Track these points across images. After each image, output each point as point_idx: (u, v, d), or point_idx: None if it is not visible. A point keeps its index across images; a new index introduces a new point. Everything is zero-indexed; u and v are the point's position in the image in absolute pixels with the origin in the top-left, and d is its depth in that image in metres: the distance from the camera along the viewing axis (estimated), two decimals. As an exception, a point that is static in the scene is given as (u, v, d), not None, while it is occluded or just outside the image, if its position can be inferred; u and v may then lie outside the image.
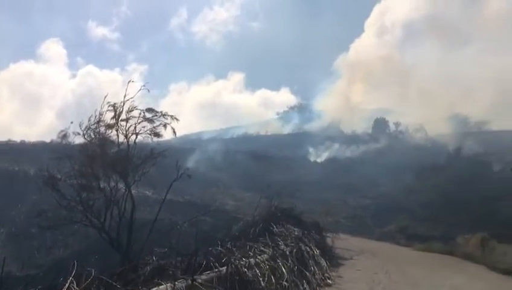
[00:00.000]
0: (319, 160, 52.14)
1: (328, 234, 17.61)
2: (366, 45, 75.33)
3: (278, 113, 75.28)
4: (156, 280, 6.52)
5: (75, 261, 6.04)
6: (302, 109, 74.00)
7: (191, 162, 40.30)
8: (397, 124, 56.42)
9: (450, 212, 27.67)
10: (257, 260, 8.38)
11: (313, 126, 65.28)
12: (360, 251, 18.05)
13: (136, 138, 11.18)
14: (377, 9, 78.10)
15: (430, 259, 18.13)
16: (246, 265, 7.76)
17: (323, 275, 10.93)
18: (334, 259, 14.86)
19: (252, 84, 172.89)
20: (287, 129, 67.14)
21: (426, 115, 53.47)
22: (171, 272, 6.85)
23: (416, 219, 29.26)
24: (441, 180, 36.05)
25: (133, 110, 11.08)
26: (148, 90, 11.62)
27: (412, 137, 51.91)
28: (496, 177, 35.56)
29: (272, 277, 8.03)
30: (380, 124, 57.16)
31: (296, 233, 12.31)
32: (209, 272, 7.05)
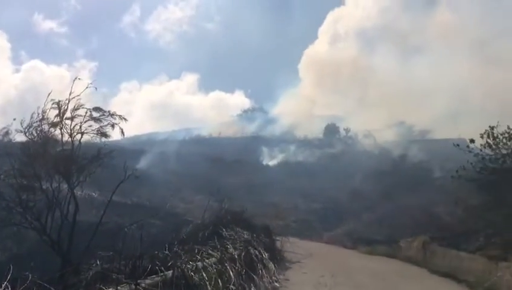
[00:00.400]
0: (271, 164, 52.59)
1: (277, 238, 17.78)
2: (320, 51, 76.95)
3: (231, 116, 75.45)
4: (99, 285, 6.30)
5: (11, 265, 5.74)
6: (256, 113, 74.55)
7: (141, 164, 39.44)
8: (347, 130, 58.00)
9: (394, 216, 28.72)
10: (205, 263, 8.30)
11: (267, 130, 65.85)
12: (308, 254, 18.34)
13: (82, 137, 10.78)
14: (330, 17, 79.92)
15: (374, 262, 18.69)
16: (193, 269, 7.65)
17: (271, 278, 10.99)
18: (282, 262, 15.01)
19: (206, 85, 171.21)
20: (240, 132, 67.28)
21: (375, 122, 55.34)
22: (114, 277, 6.64)
23: (363, 223, 30.19)
24: (386, 186, 37.34)
25: (79, 109, 10.69)
26: (96, 88, 11.22)
27: (360, 143, 53.58)
28: (437, 183, 37.32)
29: (219, 281, 7.98)
30: (331, 129, 58.57)
31: (245, 236, 12.31)
32: (154, 276, 6.89)
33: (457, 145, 13.13)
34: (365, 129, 55.07)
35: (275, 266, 12.21)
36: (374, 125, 54.75)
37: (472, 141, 12.97)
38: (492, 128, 12.10)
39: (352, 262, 17.84)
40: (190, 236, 11.62)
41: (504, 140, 12.04)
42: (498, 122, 12.23)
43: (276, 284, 10.89)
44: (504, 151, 12.14)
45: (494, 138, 12.16)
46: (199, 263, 8.15)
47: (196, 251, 9.08)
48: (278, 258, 15.14)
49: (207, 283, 7.49)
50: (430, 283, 13.34)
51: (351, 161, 46.31)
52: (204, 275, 7.73)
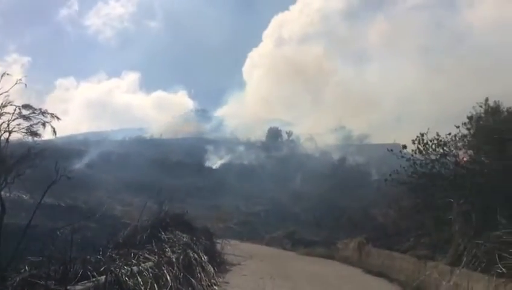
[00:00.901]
0: (214, 166, 52.38)
1: (218, 240, 17.70)
2: (264, 54, 77.59)
3: (174, 117, 74.12)
4: (25, 292, 5.94)
5: None
6: (200, 114, 73.81)
7: (77, 164, 37.83)
8: (289, 134, 58.96)
9: (332, 218, 29.59)
10: (140, 267, 8.06)
11: (210, 132, 65.47)
12: (248, 256, 18.42)
13: (9, 136, 10.09)
14: (274, 22, 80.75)
15: (312, 263, 19.13)
16: (128, 273, 7.41)
17: (209, 281, 10.90)
18: (222, 265, 14.95)
19: (148, 85, 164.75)
20: (184, 134, 66.33)
21: (317, 126, 56.72)
22: (42, 283, 6.28)
23: (303, 225, 30.83)
24: (326, 188, 38.39)
25: (6, 106, 9.98)
26: (26, 85, 10.53)
27: (302, 146, 54.74)
28: (374, 186, 38.95)
29: (155, 285, 7.79)
30: (273, 133, 59.31)
31: (184, 239, 12.13)
32: (86, 281, 6.59)
33: (391, 150, 13.75)
34: (307, 133, 56.35)
35: (214, 269, 12.12)
36: (316, 130, 56.16)
37: (404, 146, 13.65)
38: (422, 135, 12.78)
39: (292, 264, 18.16)
40: (127, 239, 11.25)
41: (433, 146, 12.74)
42: (428, 129, 12.92)
43: (215, 287, 10.82)
44: (433, 157, 12.83)
45: (424, 144, 12.84)
46: (135, 268, 7.90)
47: (132, 255, 8.82)
48: (218, 261, 15.06)
49: (142, 287, 7.28)
50: (365, 283, 13.85)
51: (293, 164, 47.20)
52: (140, 279, 7.51)
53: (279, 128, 59.64)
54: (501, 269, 8.47)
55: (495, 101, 11.89)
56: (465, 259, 10.11)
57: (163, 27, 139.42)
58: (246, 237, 30.33)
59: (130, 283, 7.18)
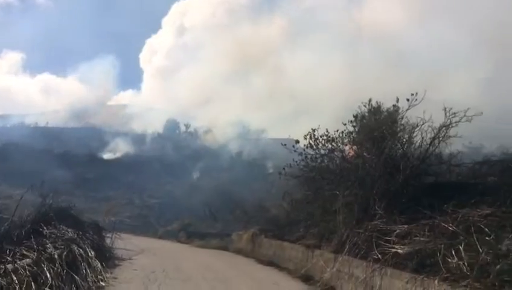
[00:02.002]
0: (107, 157, 49.85)
1: (108, 234, 16.91)
2: (164, 42, 75.09)
3: (63, 103, 68.75)
4: None
5: None
6: (93, 102, 69.27)
7: None
8: (187, 126, 58.12)
9: (228, 210, 29.92)
10: (16, 265, 7.36)
11: (103, 121, 61.98)
12: (140, 250, 17.93)
13: None
14: (175, 9, 78.04)
15: (206, 255, 19.21)
16: (1, 272, 6.73)
17: (96, 277, 10.35)
18: (111, 260, 14.32)
19: (33, 66, 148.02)
20: (73, 122, 61.90)
21: (216, 119, 56.81)
22: None
23: (199, 218, 30.76)
24: (223, 181, 38.70)
25: None
26: None
27: (200, 139, 54.43)
28: (269, 179, 40.21)
29: (33, 284, 7.17)
30: (171, 124, 57.95)
31: (69, 234, 11.36)
32: None
33: (285, 144, 14.29)
34: (205, 126, 56.12)
35: (102, 265, 11.54)
36: (215, 122, 56.23)
37: (297, 141, 14.27)
38: (314, 130, 13.45)
39: (186, 256, 18.05)
40: (3, 236, 10.20)
41: (323, 141, 13.49)
42: (319, 125, 13.62)
43: (101, 283, 10.30)
44: (322, 152, 13.59)
45: (315, 140, 13.54)
46: (9, 265, 7.19)
47: (7, 252, 8.02)
48: (107, 256, 14.41)
49: (16, 286, 6.65)
50: (255, 272, 14.23)
51: (190, 156, 46.78)
52: (15, 278, 6.85)
53: (177, 120, 58.52)
54: (377, 255, 9.28)
55: (377, 102, 12.92)
56: (347, 247, 10.90)
57: (52, 4, 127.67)
58: (140, 231, 29.48)
59: (3, 282, 6.52)
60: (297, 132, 15.11)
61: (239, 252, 20.34)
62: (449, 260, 7.18)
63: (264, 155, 46.57)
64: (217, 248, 22.61)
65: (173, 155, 47.62)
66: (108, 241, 16.29)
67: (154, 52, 73.55)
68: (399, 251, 8.71)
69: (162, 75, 71.23)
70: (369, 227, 10.48)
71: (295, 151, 13.84)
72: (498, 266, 6.37)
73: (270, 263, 16.08)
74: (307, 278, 12.04)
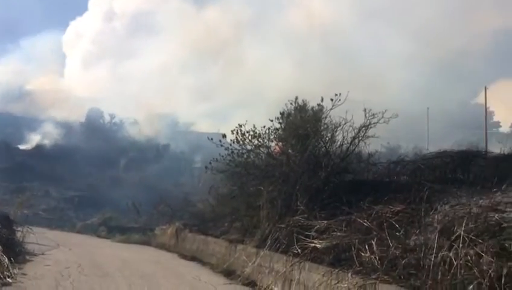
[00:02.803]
0: (22, 146, 46.57)
1: (19, 228, 15.79)
2: (90, 26, 70.82)
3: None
4: None
5: None
6: (4, 86, 63.56)
7: None
8: (112, 116, 55.54)
9: (153, 204, 29.20)
10: None
11: (20, 107, 57.56)
12: (56, 245, 16.98)
13: None
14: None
15: (127, 250, 18.63)
16: None
17: (2, 273, 9.60)
18: (22, 255, 13.39)
19: None
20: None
21: (143, 110, 55.11)
22: None
23: (121, 211, 29.74)
24: (148, 175, 37.79)
25: None
26: None
27: (126, 130, 52.47)
28: (196, 173, 39.84)
29: None
30: (94, 113, 55.00)
31: (-28, 228, 10.44)
32: None
33: (211, 139, 14.18)
34: (132, 117, 54.24)
35: (10, 260, 10.71)
36: (142, 114, 54.51)
37: (224, 136, 14.20)
38: (240, 126, 13.47)
39: (104, 251, 17.38)
40: None
41: (250, 137, 13.56)
42: (246, 121, 13.67)
43: (8, 279, 9.58)
44: (249, 147, 13.65)
45: (242, 135, 13.57)
46: None
47: None
48: (17, 251, 13.45)
49: None
50: (177, 267, 14.04)
51: (115, 148, 45.02)
52: None
53: (101, 109, 55.65)
54: (297, 250, 9.51)
55: (303, 100, 13.23)
56: (269, 242, 11.08)
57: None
58: (56, 225, 27.95)
59: None
60: (232, 126, 14.97)
61: (162, 247, 19.97)
62: (362, 254, 7.53)
63: (193, 149, 46.09)
64: (139, 242, 22.03)
65: (96, 146, 45.46)
66: (18, 235, 15.19)
67: (79, 36, 69.30)
68: (317, 245, 8.99)
69: (87, 61, 67.51)
70: (291, 222, 10.72)
71: (221, 146, 13.77)
72: (405, 260, 6.78)
73: (193, 258, 15.96)
74: (228, 273, 12.08)
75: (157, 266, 13.97)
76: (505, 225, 6.07)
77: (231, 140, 13.96)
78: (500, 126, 58.72)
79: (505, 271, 4.91)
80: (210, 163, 15.01)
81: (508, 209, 6.87)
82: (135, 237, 23.13)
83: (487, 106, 41.15)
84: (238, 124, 13.54)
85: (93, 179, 37.12)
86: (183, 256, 16.83)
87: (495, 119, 57.60)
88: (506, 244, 5.57)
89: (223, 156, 14.26)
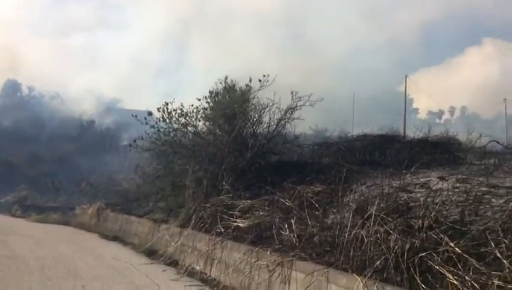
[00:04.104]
0: None
1: None
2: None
3: None
4: None
5: None
6: None
7: None
8: (31, 89, 51.82)
9: (74, 183, 27.87)
10: None
11: None
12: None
13: None
14: None
15: (42, 230, 17.67)
16: None
17: None
18: None
19: None
20: None
21: (66, 84, 52.09)
22: None
23: (38, 190, 28.11)
24: (70, 151, 35.96)
25: None
26: None
27: (46, 105, 49.26)
28: (122, 151, 38.45)
29: None
30: (11, 86, 50.97)
31: None
32: None
33: (136, 116, 13.69)
34: (53, 90, 51.07)
35: None
36: (65, 88, 51.45)
37: (150, 113, 13.76)
38: (167, 104, 13.12)
39: (17, 231, 16.30)
40: None
41: (176, 116, 13.25)
42: (174, 98, 13.33)
43: None
44: (175, 126, 13.35)
45: (169, 113, 13.23)
46: None
47: None
48: None
49: None
50: (97, 248, 13.54)
51: (34, 122, 42.18)
52: None
53: (19, 81, 51.63)
54: (220, 229, 9.56)
55: (232, 80, 13.13)
56: (193, 221, 11.01)
57: None
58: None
59: None
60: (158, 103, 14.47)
61: (82, 227, 19.17)
62: (282, 232, 7.72)
63: (120, 126, 44.46)
64: (58, 222, 20.96)
65: (12, 121, 42.29)
66: None
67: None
68: (240, 224, 9.09)
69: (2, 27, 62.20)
70: (215, 202, 10.74)
71: (147, 123, 13.35)
72: (322, 238, 7.05)
73: (115, 238, 15.49)
74: (151, 253, 11.87)
75: (75, 246, 13.37)
76: (412, 204, 6.47)
77: (157, 118, 13.60)
78: (419, 113, 63.04)
79: (407, 247, 5.25)
80: (134, 141, 14.55)
81: (416, 190, 7.35)
82: (53, 217, 21.97)
83: (408, 93, 43.85)
84: (165, 102, 13.21)
85: (7, 155, 34.59)
86: (104, 236, 16.28)
87: (414, 106, 61.64)
88: (412, 223, 5.94)
89: (148, 134, 13.86)
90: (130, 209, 17.12)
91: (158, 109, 13.32)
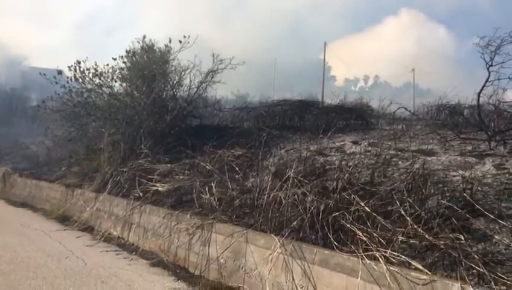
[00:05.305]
0: None
1: None
2: None
3: None
4: None
5: None
6: None
7: None
8: None
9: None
10: None
11: None
12: None
13: None
14: None
15: None
16: None
17: None
18: None
19: None
20: None
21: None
22: None
23: None
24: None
25: None
26: None
27: None
28: (30, 112, 35.64)
29: None
30: None
31: None
32: None
33: (44, 74, 12.60)
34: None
35: None
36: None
37: (60, 72, 12.72)
38: (79, 62, 12.21)
39: None
40: None
41: (90, 75, 12.42)
42: (87, 57, 12.44)
43: None
44: (89, 86, 12.54)
45: (82, 73, 12.36)
46: None
47: None
48: None
49: None
50: (3, 214, 12.61)
51: None
52: None
53: None
54: (138, 194, 9.31)
55: (151, 39, 12.53)
56: (109, 186, 10.60)
57: None
58: None
59: None
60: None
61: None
62: (203, 196, 7.71)
63: (28, 86, 41.01)
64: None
65: None
66: None
67: None
68: (159, 188, 8.93)
69: None
70: (134, 166, 10.42)
71: (56, 83, 12.40)
72: (241, 200, 7.15)
73: (24, 205, 14.53)
74: (64, 219, 11.28)
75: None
76: (327, 167, 6.76)
77: (68, 77, 12.67)
78: (336, 80, 65.65)
79: (322, 207, 5.51)
80: (43, 102, 13.54)
81: (332, 154, 7.68)
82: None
83: (326, 61, 45.22)
84: (77, 60, 12.28)
85: None
86: (12, 203, 15.19)
87: (332, 73, 64.00)
88: (327, 185, 6.22)
89: (59, 95, 12.91)
90: (40, 174, 16.10)
91: (69, 68, 12.39)
